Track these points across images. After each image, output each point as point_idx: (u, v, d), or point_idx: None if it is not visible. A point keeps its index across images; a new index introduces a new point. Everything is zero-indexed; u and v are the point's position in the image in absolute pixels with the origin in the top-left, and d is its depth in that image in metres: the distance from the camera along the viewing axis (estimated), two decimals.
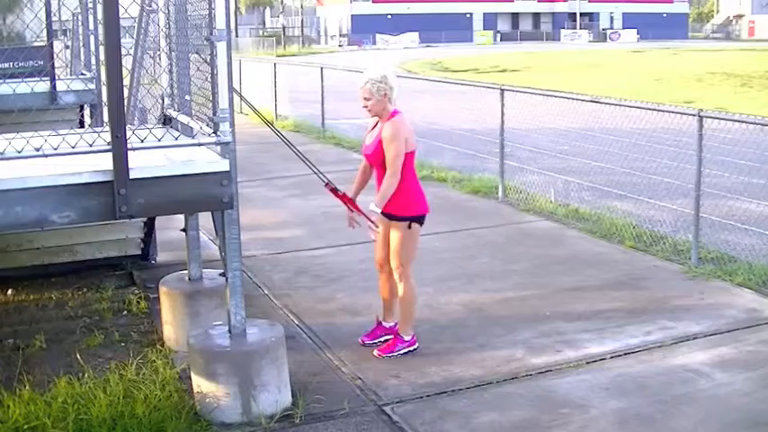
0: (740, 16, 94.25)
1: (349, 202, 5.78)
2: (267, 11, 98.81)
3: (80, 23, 9.77)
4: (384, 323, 6.12)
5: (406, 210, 5.78)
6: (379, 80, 5.70)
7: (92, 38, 9.05)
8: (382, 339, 6.06)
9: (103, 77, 4.71)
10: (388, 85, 5.71)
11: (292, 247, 8.83)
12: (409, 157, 5.74)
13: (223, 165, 4.87)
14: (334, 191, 5.76)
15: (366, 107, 5.75)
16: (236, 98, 5.19)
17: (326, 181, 5.77)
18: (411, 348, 5.94)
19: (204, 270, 6.31)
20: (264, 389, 5.00)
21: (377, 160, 5.77)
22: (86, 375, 5.26)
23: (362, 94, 5.72)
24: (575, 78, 32.89)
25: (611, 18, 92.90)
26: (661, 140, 11.68)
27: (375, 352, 5.94)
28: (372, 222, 5.69)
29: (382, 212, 5.73)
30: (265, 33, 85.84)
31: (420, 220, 5.88)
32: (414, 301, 5.95)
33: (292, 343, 5.97)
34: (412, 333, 5.98)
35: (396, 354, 5.89)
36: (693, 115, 8.01)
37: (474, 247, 8.67)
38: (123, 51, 4.76)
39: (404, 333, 5.95)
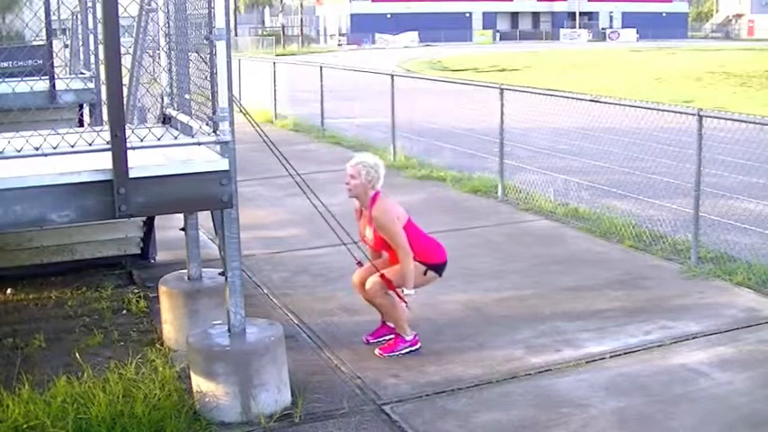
0: (740, 16, 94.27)
1: (386, 282, 5.83)
2: (266, 10, 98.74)
3: (79, 22, 9.77)
4: (388, 323, 6.14)
5: (424, 258, 5.89)
6: (370, 166, 5.84)
7: (91, 37, 9.04)
8: (386, 338, 6.07)
9: (103, 76, 4.71)
10: (377, 174, 5.85)
11: (292, 247, 8.83)
12: (408, 227, 5.85)
13: (222, 164, 4.87)
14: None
15: (348, 185, 5.85)
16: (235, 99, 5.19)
17: (358, 260, 6.00)
18: (413, 348, 5.95)
19: (204, 269, 6.31)
20: (264, 388, 5.00)
21: (380, 246, 5.94)
22: (86, 375, 5.26)
23: (350, 171, 5.83)
24: (574, 78, 32.89)
25: (611, 17, 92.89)
26: (660, 140, 11.70)
27: (376, 351, 5.95)
28: (404, 299, 5.83)
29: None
30: (265, 32, 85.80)
31: (437, 268, 5.98)
32: (396, 310, 5.92)
33: (292, 342, 5.97)
34: (413, 333, 5.99)
35: (397, 353, 5.90)
36: (693, 114, 8.01)
37: (473, 246, 8.67)
38: (123, 50, 4.76)
39: (403, 334, 5.96)
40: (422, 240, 5.94)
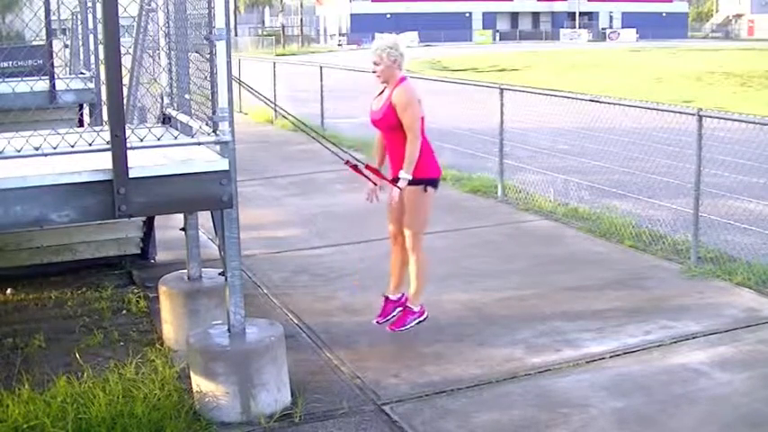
0: (739, 16, 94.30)
1: (374, 171, 5.91)
2: (266, 10, 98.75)
3: (79, 22, 9.78)
4: (392, 296, 6.18)
5: (421, 173, 5.87)
6: (390, 46, 5.84)
7: (91, 37, 9.05)
8: (395, 314, 6.10)
9: (103, 76, 4.71)
10: (398, 51, 5.85)
11: (292, 246, 8.83)
12: (422, 121, 5.86)
13: (222, 164, 4.87)
14: (356, 167, 5.88)
15: (375, 72, 5.88)
16: (235, 98, 5.19)
17: (346, 159, 5.91)
18: (421, 319, 6.04)
19: (203, 269, 6.31)
20: (264, 388, 5.00)
21: (386, 124, 5.89)
22: (85, 375, 5.25)
23: (372, 58, 5.86)
24: (574, 78, 32.90)
25: (611, 17, 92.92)
26: (660, 140, 11.69)
27: (387, 328, 5.98)
28: (396, 185, 5.82)
29: (394, 178, 5.84)
30: (265, 32, 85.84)
31: (434, 183, 6.01)
32: (427, 270, 6.04)
33: (292, 342, 5.97)
34: (420, 303, 6.02)
35: (407, 326, 5.97)
36: (693, 114, 8.01)
37: (473, 246, 8.67)
38: (122, 50, 4.76)
39: (414, 304, 6.05)
40: (423, 149, 5.90)
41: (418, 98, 5.84)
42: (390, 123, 5.83)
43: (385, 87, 5.95)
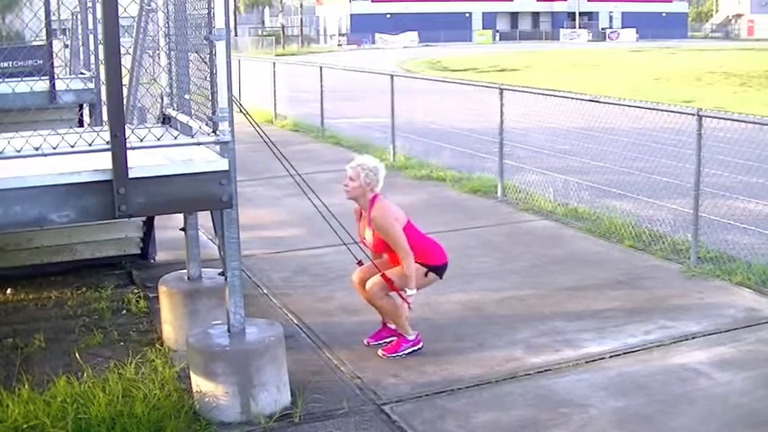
0: (739, 16, 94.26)
1: (387, 281, 5.83)
2: (266, 10, 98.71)
3: (79, 22, 9.78)
4: (389, 324, 6.14)
5: (424, 259, 5.89)
6: (369, 169, 5.84)
7: (91, 37, 9.05)
8: (387, 341, 6.07)
9: (103, 77, 4.71)
10: (376, 177, 5.84)
11: (291, 247, 8.83)
12: (407, 228, 5.84)
13: (222, 164, 4.87)
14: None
15: (346, 186, 5.86)
16: (235, 99, 5.19)
17: (359, 260, 6.01)
18: (415, 348, 5.96)
19: (203, 269, 6.31)
20: (263, 388, 5.00)
21: (381, 248, 5.94)
22: (85, 374, 5.26)
23: (349, 173, 5.84)
24: (574, 78, 32.90)
25: (611, 17, 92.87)
26: (660, 140, 11.69)
27: (380, 352, 5.95)
28: (406, 299, 5.81)
29: (402, 297, 5.84)
30: (264, 33, 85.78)
31: (438, 270, 5.98)
32: (397, 311, 5.91)
33: (291, 342, 5.97)
34: (415, 333, 5.99)
35: (400, 354, 5.91)
36: (692, 114, 8.01)
37: (473, 246, 8.67)
38: (122, 50, 4.76)
39: (405, 335, 5.97)
40: (422, 242, 5.94)
41: (395, 214, 5.81)
42: (384, 245, 5.87)
43: (360, 208, 5.95)
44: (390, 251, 5.88)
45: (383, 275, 5.80)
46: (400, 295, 5.81)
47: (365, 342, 6.15)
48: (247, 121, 5.78)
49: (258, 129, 5.70)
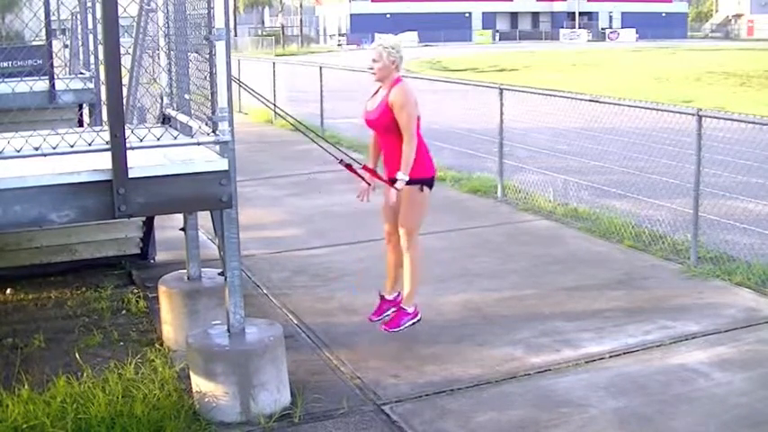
0: (739, 16, 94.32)
1: (371, 171, 5.93)
2: (266, 10, 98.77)
3: (79, 22, 9.78)
4: (387, 296, 6.19)
5: (417, 173, 5.88)
6: (391, 46, 5.91)
7: (91, 37, 9.05)
8: (389, 313, 6.11)
9: (102, 76, 4.71)
10: (399, 53, 5.92)
11: (291, 247, 8.83)
12: (417, 121, 5.88)
13: (222, 164, 4.87)
14: (349, 166, 5.91)
15: (372, 69, 5.94)
16: (235, 99, 5.19)
17: (340, 159, 5.93)
18: (415, 320, 6.06)
19: (203, 269, 6.31)
20: (263, 388, 5.00)
21: (382, 124, 5.90)
22: (85, 375, 5.26)
23: (372, 55, 5.91)
24: (573, 78, 32.91)
25: (610, 17, 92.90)
26: (660, 140, 11.69)
27: (381, 327, 5.99)
28: (393, 186, 5.83)
29: (390, 178, 5.85)
30: (264, 33, 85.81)
31: (430, 183, 6.01)
32: (420, 269, 6.04)
33: (291, 342, 5.97)
34: (414, 304, 6.04)
35: (402, 328, 6.00)
36: (692, 114, 8.01)
37: (473, 246, 8.67)
38: (122, 50, 4.76)
39: (407, 305, 6.06)
40: (419, 148, 5.90)
41: (414, 99, 5.86)
42: (385, 123, 5.85)
43: (380, 88, 5.98)
44: (386, 132, 5.88)
45: (371, 171, 5.92)
46: (390, 184, 5.81)
47: (368, 319, 6.24)
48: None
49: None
